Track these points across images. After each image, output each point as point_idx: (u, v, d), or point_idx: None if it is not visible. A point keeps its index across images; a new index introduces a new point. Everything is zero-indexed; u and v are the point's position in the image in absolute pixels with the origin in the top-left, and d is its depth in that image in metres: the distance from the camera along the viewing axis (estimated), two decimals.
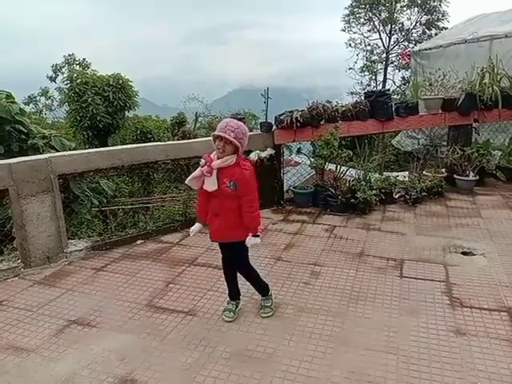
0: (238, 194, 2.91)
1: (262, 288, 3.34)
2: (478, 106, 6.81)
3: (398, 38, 20.63)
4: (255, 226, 3.01)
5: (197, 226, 3.18)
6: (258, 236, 3.02)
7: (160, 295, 3.56)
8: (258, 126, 6.16)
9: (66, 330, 3.09)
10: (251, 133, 5.83)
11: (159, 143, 5.44)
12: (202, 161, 2.90)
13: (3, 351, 2.87)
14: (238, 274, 3.30)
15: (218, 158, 2.88)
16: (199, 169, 2.92)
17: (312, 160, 6.00)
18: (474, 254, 4.24)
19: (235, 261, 3.23)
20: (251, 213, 2.97)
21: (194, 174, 2.97)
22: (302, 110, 5.89)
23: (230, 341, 2.92)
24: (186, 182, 3.06)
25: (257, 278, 3.30)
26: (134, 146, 5.31)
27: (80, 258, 4.32)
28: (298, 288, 3.63)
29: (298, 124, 5.72)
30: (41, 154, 5.17)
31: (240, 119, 5.50)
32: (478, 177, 6.54)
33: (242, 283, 3.33)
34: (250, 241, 3.00)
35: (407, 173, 7.00)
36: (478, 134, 7.40)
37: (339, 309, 3.29)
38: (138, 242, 4.70)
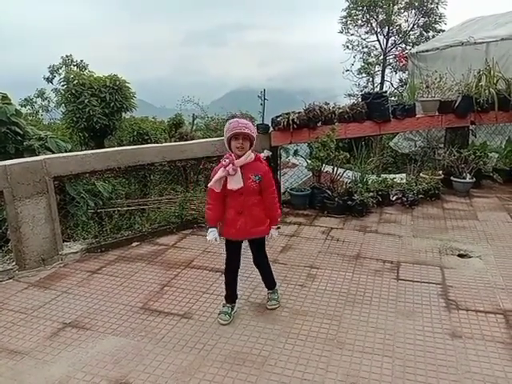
0: (260, 188, 3.05)
1: (273, 281, 3.42)
2: (474, 109, 6.84)
3: (395, 40, 20.69)
4: (278, 217, 3.21)
5: (214, 232, 3.10)
6: (279, 228, 3.11)
7: (155, 298, 3.54)
8: (255, 128, 6.15)
9: (61, 333, 3.07)
10: None
11: (155, 145, 5.43)
12: (226, 160, 2.95)
13: None
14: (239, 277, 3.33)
15: (239, 157, 2.97)
16: (222, 169, 2.95)
17: (309, 162, 6.00)
18: (471, 257, 4.24)
19: (260, 255, 3.31)
20: (275, 204, 3.16)
21: (218, 176, 2.96)
22: (299, 112, 5.89)
23: (225, 343, 2.91)
24: (209, 185, 3.05)
25: (272, 273, 3.42)
26: (130, 147, 5.30)
27: (75, 261, 4.30)
28: (294, 290, 3.62)
29: (295, 126, 5.72)
30: (37, 155, 5.17)
31: None
32: (474, 179, 6.54)
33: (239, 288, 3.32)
34: (274, 233, 3.19)
35: (404, 175, 7.01)
36: (475, 136, 7.41)
37: (335, 311, 3.28)
38: (134, 244, 4.68)
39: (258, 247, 3.28)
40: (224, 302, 3.29)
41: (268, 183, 3.09)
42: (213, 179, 3.00)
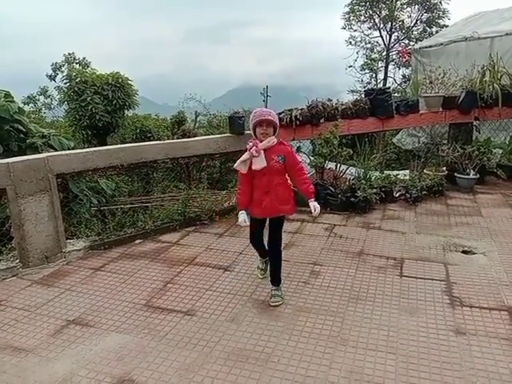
0: (285, 168, 3.31)
1: (279, 277, 3.48)
2: (478, 104, 6.81)
3: (398, 36, 20.59)
4: (313, 191, 3.40)
5: (243, 215, 3.35)
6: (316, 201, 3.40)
7: (158, 295, 3.54)
8: None
9: (64, 330, 3.08)
10: (250, 131, 5.81)
11: (158, 142, 5.42)
12: (250, 144, 3.24)
13: (1, 351, 2.86)
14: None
15: (262, 142, 3.25)
16: (247, 152, 3.24)
17: (312, 159, 5.98)
18: (475, 253, 4.22)
19: (276, 237, 3.43)
20: (306, 179, 3.41)
21: (242, 158, 3.26)
22: (302, 109, 5.87)
23: (229, 340, 2.91)
24: (234, 166, 3.37)
25: (280, 263, 3.49)
26: (133, 144, 5.30)
27: (78, 258, 4.31)
28: (297, 287, 3.61)
29: (298, 122, 5.70)
30: (39, 153, 5.16)
31: (239, 118, 5.51)
32: (478, 175, 6.51)
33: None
34: (315, 205, 3.38)
35: (408, 171, 6.98)
36: (479, 132, 7.38)
37: (338, 308, 3.27)
38: (137, 241, 4.69)
39: (277, 228, 3.43)
40: (259, 257, 3.74)
41: (293, 162, 3.34)
42: (238, 161, 3.29)
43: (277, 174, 3.30)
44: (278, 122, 3.33)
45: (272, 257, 3.47)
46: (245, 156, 3.25)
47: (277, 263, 3.45)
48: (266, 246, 3.52)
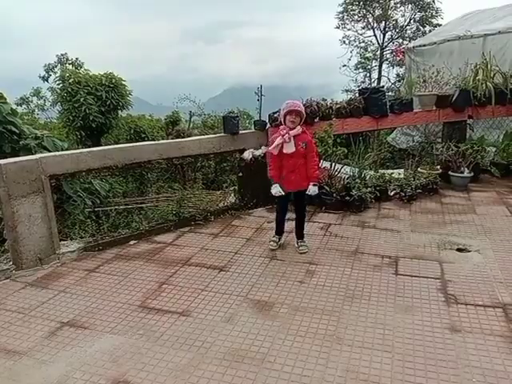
0: (305, 153, 4.04)
1: (302, 232, 4.40)
2: (471, 103, 6.83)
3: (392, 35, 20.61)
4: (318, 176, 4.24)
5: (277, 187, 4.10)
6: (316, 185, 4.15)
7: (153, 296, 3.53)
8: (252, 125, 6.13)
9: (59, 332, 3.06)
10: (244, 131, 5.81)
11: (151, 142, 5.40)
12: (284, 131, 3.97)
13: None
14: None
15: (290, 129, 3.99)
16: (280, 137, 3.96)
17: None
18: (469, 251, 4.24)
19: (302, 205, 4.39)
20: (316, 165, 4.18)
21: (276, 142, 3.99)
22: None
23: (224, 340, 2.90)
24: (269, 149, 4.24)
25: (304, 223, 4.45)
26: (126, 145, 5.27)
27: (72, 260, 4.28)
28: (292, 287, 3.61)
29: None
30: (33, 154, 5.13)
31: (234, 117, 5.50)
32: (472, 173, 6.54)
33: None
34: (312, 188, 4.11)
35: (402, 170, 6.99)
36: (473, 131, 7.41)
37: (334, 307, 3.27)
38: (131, 242, 4.66)
39: (301, 197, 4.30)
40: (274, 233, 4.46)
41: (311, 148, 4.11)
42: (273, 144, 4.02)
43: (301, 157, 4.05)
44: (304, 113, 4.12)
45: (299, 218, 4.38)
46: (278, 140, 3.97)
47: (302, 224, 4.40)
48: (294, 214, 4.41)
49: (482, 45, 8.09)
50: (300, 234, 4.39)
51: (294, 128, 4.00)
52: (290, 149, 3.98)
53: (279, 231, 4.45)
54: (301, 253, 4.22)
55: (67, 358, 2.77)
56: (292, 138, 3.97)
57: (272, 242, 4.41)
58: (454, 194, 6.21)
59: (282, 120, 4.06)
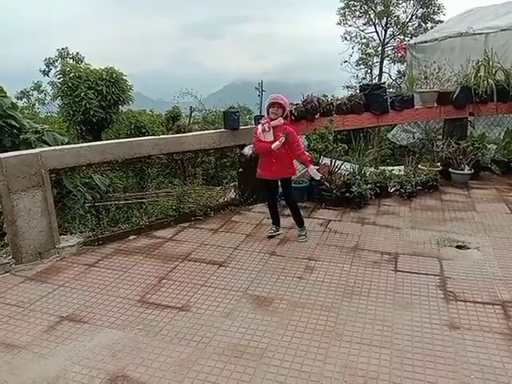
0: (287, 143, 4.23)
1: (300, 220, 4.58)
2: (473, 100, 6.81)
3: (393, 32, 20.55)
4: (306, 159, 4.40)
5: (250, 148, 4.64)
6: (313, 167, 4.40)
7: (153, 291, 3.53)
8: (253, 120, 6.12)
9: (58, 327, 3.06)
10: (245, 127, 5.79)
11: (152, 137, 5.39)
12: (264, 120, 4.30)
13: None
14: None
15: (272, 120, 4.26)
16: (260, 125, 4.29)
17: (307, 154, 5.96)
18: (469, 248, 4.24)
19: (288, 192, 4.58)
20: (301, 152, 4.35)
21: (260, 130, 4.28)
22: (297, 104, 5.86)
23: (223, 336, 2.90)
24: (243, 151, 4.80)
25: (298, 210, 4.61)
26: (126, 139, 5.26)
27: (72, 254, 4.28)
28: (291, 283, 3.61)
29: (293, 118, 5.67)
30: (33, 148, 5.12)
31: (234, 113, 5.49)
32: (473, 170, 6.53)
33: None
34: (312, 170, 4.37)
35: (403, 167, 6.98)
36: (474, 128, 7.39)
37: (333, 303, 3.27)
38: (131, 237, 4.66)
39: (287, 185, 4.55)
40: (271, 223, 4.69)
41: (294, 139, 4.30)
42: (258, 131, 4.30)
43: (282, 147, 4.21)
44: (287, 105, 4.34)
45: (289, 206, 4.61)
46: (260, 128, 4.29)
47: (294, 210, 4.57)
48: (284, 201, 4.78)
49: (483, 42, 8.06)
50: (297, 222, 4.59)
51: (276, 119, 4.26)
52: (268, 137, 4.24)
53: (274, 220, 4.69)
54: (300, 241, 4.44)
55: (66, 352, 2.77)
56: (271, 128, 4.23)
57: (270, 228, 4.67)
58: (454, 191, 6.20)
59: (266, 113, 4.39)
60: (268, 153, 4.28)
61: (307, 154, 4.56)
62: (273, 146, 4.19)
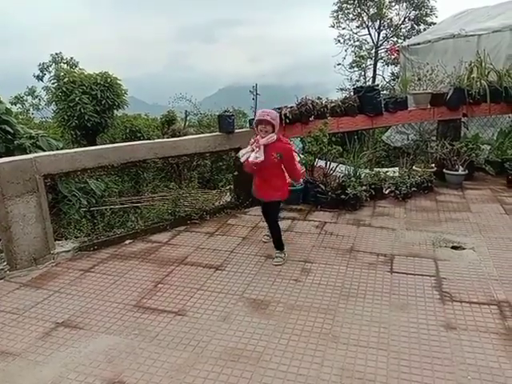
0: (282, 163, 3.92)
1: (279, 243, 4.14)
2: (466, 101, 6.85)
3: (386, 34, 20.66)
4: (298, 177, 4.39)
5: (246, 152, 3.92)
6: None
7: (149, 295, 3.51)
8: (248, 124, 6.12)
9: (53, 333, 3.04)
10: (240, 130, 5.80)
11: (147, 141, 5.38)
12: (252, 140, 3.88)
13: None
14: None
15: (262, 138, 3.83)
16: (249, 146, 3.86)
17: (302, 156, 5.98)
18: (464, 248, 4.25)
19: (273, 215, 4.17)
20: (296, 172, 4.19)
21: (245, 151, 3.90)
22: (291, 107, 5.87)
23: (220, 340, 2.89)
24: (238, 156, 4.07)
25: (278, 232, 4.14)
26: (121, 144, 5.25)
27: (67, 259, 4.26)
28: (288, 285, 3.61)
29: (288, 120, 5.69)
30: (28, 154, 5.10)
31: (229, 116, 5.49)
32: (467, 171, 6.56)
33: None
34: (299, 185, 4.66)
35: (397, 168, 7.01)
36: (467, 129, 7.43)
37: (329, 305, 3.27)
38: (127, 241, 4.64)
39: (274, 209, 4.16)
40: (266, 234, 4.51)
41: (290, 158, 3.97)
42: (240, 152, 3.96)
43: (274, 167, 3.92)
44: (277, 121, 3.90)
45: (271, 228, 4.20)
46: (247, 149, 3.88)
47: (276, 233, 4.14)
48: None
49: (476, 43, 8.12)
50: (277, 244, 4.15)
51: (266, 137, 3.84)
52: (258, 158, 3.79)
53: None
54: (274, 265, 3.98)
55: (62, 358, 2.75)
56: (262, 147, 3.80)
57: (266, 236, 4.55)
58: (449, 192, 6.23)
59: (255, 130, 3.94)
60: (258, 171, 3.94)
61: (301, 171, 4.46)
62: (239, 155, 3.95)
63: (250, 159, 3.83)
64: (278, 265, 3.98)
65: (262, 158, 3.79)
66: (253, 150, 3.82)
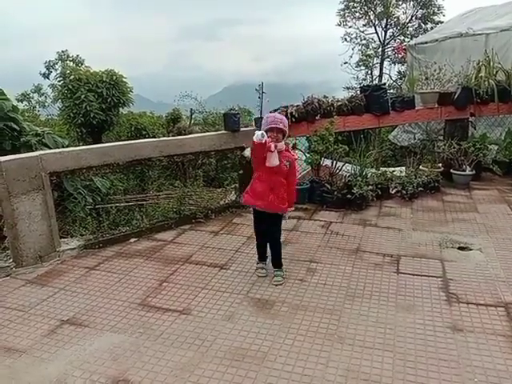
0: (288, 173, 3.62)
1: (279, 260, 3.78)
2: (474, 100, 6.79)
3: (393, 33, 20.58)
4: (294, 200, 3.80)
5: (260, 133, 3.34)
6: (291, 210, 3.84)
7: (153, 294, 3.51)
8: (253, 122, 6.11)
9: (59, 330, 3.04)
10: (245, 128, 5.78)
11: (152, 139, 5.38)
12: (269, 139, 3.40)
13: None
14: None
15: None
16: (268, 139, 3.38)
17: (307, 156, 5.96)
18: (471, 249, 4.22)
19: (277, 231, 3.74)
20: (294, 189, 3.78)
21: (262, 137, 3.32)
22: (297, 105, 5.85)
23: (224, 339, 2.88)
24: (244, 153, 4.01)
25: (280, 250, 3.78)
26: (126, 142, 5.24)
27: (73, 257, 4.27)
28: (293, 285, 3.59)
29: (293, 119, 5.67)
30: (34, 151, 5.11)
31: (234, 115, 5.48)
32: (474, 171, 6.51)
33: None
34: (288, 213, 3.79)
35: (404, 168, 6.97)
36: (475, 128, 7.37)
37: (335, 306, 3.25)
38: (132, 240, 4.64)
39: (276, 221, 3.71)
40: (257, 260, 3.90)
41: (294, 171, 3.75)
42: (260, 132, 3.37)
43: (283, 175, 3.59)
44: (287, 129, 3.59)
45: (271, 245, 3.78)
46: (265, 135, 3.35)
47: (277, 251, 3.77)
48: (267, 238, 3.80)
49: (484, 42, 8.05)
50: (276, 263, 3.78)
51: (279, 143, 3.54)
52: (273, 161, 3.46)
53: (261, 256, 3.89)
54: (275, 284, 3.62)
55: (67, 356, 2.76)
56: (276, 151, 3.47)
57: (259, 270, 3.83)
58: (456, 192, 6.19)
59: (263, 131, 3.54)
60: (267, 177, 3.54)
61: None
62: (254, 138, 3.35)
63: (268, 163, 3.46)
64: (279, 284, 3.61)
65: (277, 162, 3.48)
66: (270, 151, 3.43)
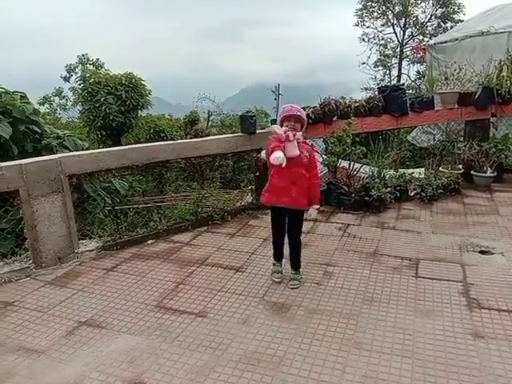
0: (308, 165, 3.41)
1: (298, 261, 3.66)
2: (495, 100, 6.65)
3: (412, 32, 20.33)
4: (319, 197, 3.56)
5: (280, 152, 3.19)
6: (318, 209, 3.60)
7: (170, 296, 3.52)
8: (270, 124, 6.09)
9: (76, 332, 3.08)
10: (261, 130, 5.77)
11: (169, 142, 5.41)
12: (286, 128, 3.29)
13: (14, 352, 2.87)
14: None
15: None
16: (285, 129, 3.27)
17: (324, 157, 5.91)
18: (492, 253, 4.11)
19: (298, 230, 3.59)
20: (318, 183, 3.58)
21: (280, 129, 3.28)
22: (314, 107, 5.81)
23: (240, 343, 2.87)
24: (260, 155, 3.71)
25: (300, 249, 3.65)
26: (144, 144, 5.29)
27: (91, 259, 4.32)
28: (309, 289, 3.55)
29: (310, 121, 5.63)
30: (54, 154, 5.19)
31: (251, 117, 5.47)
32: (495, 173, 6.37)
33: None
34: (313, 212, 3.57)
35: (423, 169, 6.86)
36: (496, 129, 7.21)
37: (352, 310, 3.21)
38: (149, 241, 4.68)
39: (298, 217, 3.54)
40: (273, 260, 3.75)
41: (314, 162, 3.52)
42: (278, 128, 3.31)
43: (303, 167, 3.39)
44: (305, 118, 3.47)
45: (292, 244, 3.62)
46: (282, 129, 3.28)
47: (297, 252, 3.64)
48: (288, 237, 3.63)
49: (506, 40, 7.85)
50: (296, 265, 3.66)
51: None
52: (292, 150, 3.24)
53: (278, 255, 3.73)
54: (291, 288, 3.52)
55: (84, 357, 2.78)
56: (295, 140, 3.27)
57: (275, 274, 3.69)
58: (477, 195, 6.05)
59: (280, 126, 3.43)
60: (286, 169, 3.28)
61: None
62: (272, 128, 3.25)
63: (288, 154, 3.22)
64: (295, 288, 3.51)
65: (297, 152, 3.26)
66: (288, 140, 3.23)
